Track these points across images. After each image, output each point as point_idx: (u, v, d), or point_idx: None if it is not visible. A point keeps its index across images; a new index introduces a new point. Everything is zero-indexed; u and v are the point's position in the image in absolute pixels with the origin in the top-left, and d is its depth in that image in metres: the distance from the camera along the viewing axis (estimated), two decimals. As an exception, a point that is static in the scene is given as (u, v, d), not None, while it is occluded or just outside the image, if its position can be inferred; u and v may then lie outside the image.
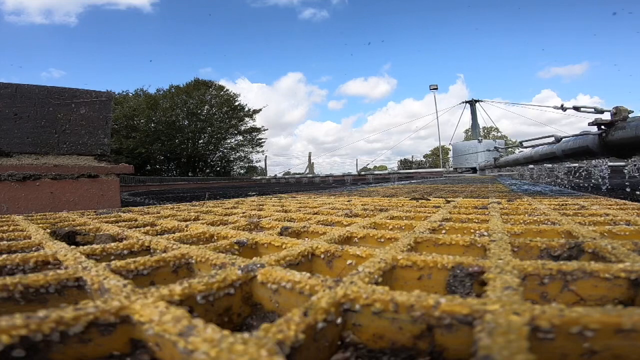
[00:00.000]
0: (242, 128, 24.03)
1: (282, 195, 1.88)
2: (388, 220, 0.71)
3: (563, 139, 2.69)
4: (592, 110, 2.09)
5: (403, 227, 0.66)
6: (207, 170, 23.70)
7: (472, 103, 20.87)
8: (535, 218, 0.71)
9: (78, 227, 0.72)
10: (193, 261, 0.44)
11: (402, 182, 4.79)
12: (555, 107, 2.30)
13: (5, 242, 0.56)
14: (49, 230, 0.66)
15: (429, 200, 1.27)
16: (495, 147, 5.50)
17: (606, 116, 2.03)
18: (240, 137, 24.21)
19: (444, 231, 0.62)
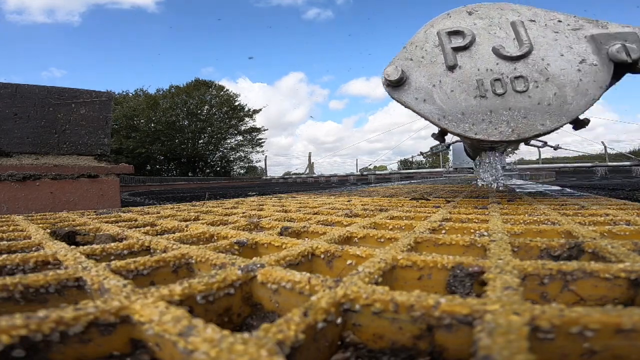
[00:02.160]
0: (242, 128, 24.07)
1: (282, 195, 1.88)
2: (388, 220, 0.71)
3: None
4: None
5: (403, 227, 0.66)
6: (207, 170, 23.72)
7: (472, 103, 20.98)
8: (535, 218, 0.71)
9: (78, 227, 0.72)
10: (193, 261, 0.44)
11: (402, 182, 4.80)
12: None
13: (5, 242, 0.56)
14: (49, 230, 0.66)
15: (429, 200, 1.26)
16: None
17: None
18: (240, 137, 24.24)
19: (444, 231, 0.62)
